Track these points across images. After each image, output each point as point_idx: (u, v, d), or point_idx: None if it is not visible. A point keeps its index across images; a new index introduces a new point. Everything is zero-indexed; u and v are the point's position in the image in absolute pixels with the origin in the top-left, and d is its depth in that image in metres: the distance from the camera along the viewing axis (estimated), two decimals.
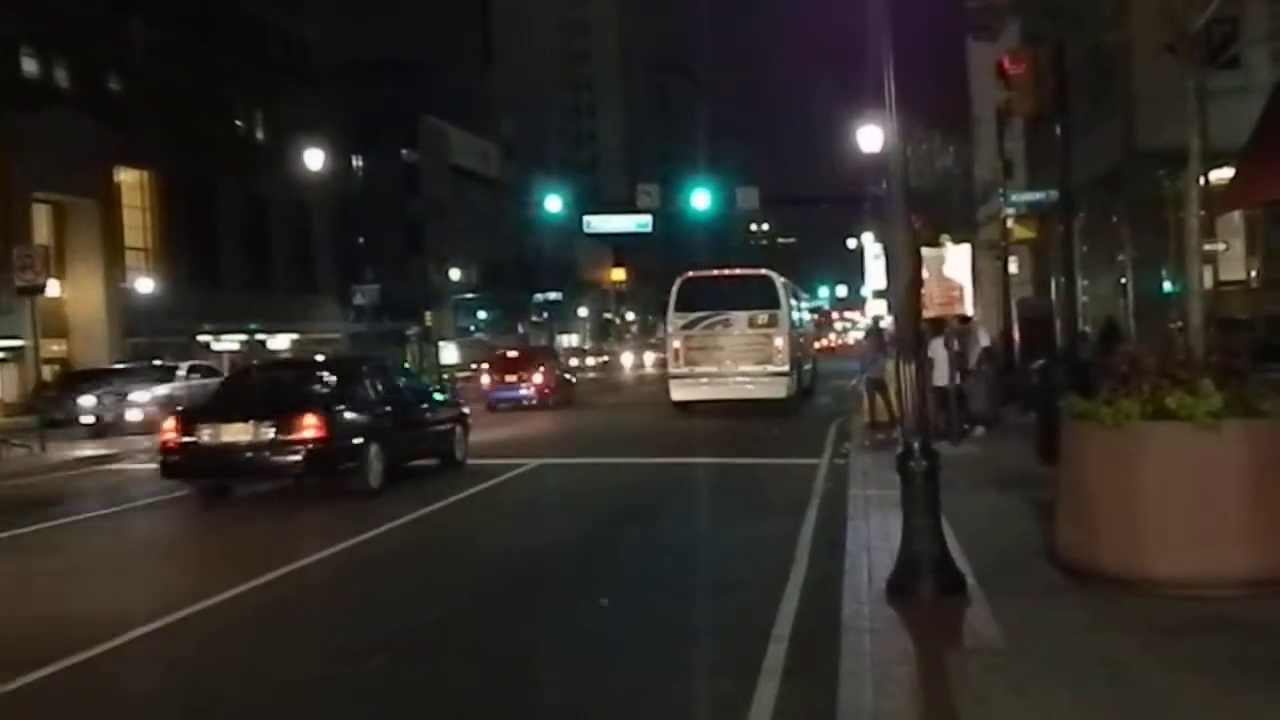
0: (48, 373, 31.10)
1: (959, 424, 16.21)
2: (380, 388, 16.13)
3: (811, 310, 45.95)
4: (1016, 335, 24.12)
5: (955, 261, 16.44)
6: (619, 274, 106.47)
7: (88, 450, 23.01)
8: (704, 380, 26.42)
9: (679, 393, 26.67)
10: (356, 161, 66.04)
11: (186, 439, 14.41)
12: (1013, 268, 26.31)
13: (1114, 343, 18.76)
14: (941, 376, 15.92)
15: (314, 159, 40.87)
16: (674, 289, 27.51)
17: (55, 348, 36.00)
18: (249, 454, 14.06)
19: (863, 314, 71.39)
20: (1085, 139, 20.89)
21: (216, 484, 14.93)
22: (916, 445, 7.58)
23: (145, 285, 42.87)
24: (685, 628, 7.69)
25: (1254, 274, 21.79)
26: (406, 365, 37.64)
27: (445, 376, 50.11)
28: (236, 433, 14.18)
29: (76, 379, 30.18)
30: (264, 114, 52.96)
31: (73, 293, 37.68)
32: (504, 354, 37.85)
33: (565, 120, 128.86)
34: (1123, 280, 25.37)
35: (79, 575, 10.56)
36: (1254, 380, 7.36)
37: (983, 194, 32.86)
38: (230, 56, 49.30)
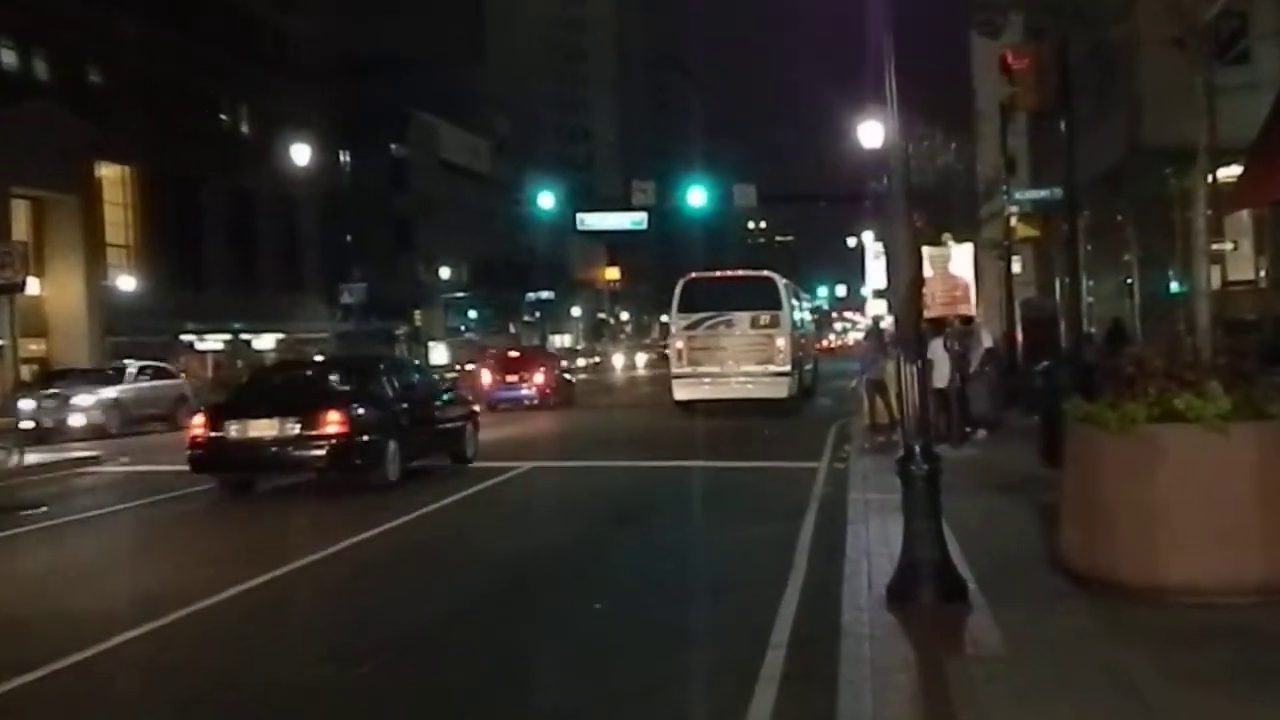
0: (26, 373, 30.43)
1: (960, 427, 16.10)
2: (398, 385, 16.52)
3: (812, 311, 45.89)
4: (1020, 336, 23.98)
5: (958, 261, 16.36)
6: (613, 273, 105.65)
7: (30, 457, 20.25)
8: (706, 380, 26.57)
9: (682, 392, 26.82)
10: (344, 157, 64.07)
11: (214, 434, 14.83)
12: (1016, 267, 26.17)
13: (1120, 344, 18.59)
14: (941, 378, 15.77)
15: (301, 154, 40.37)
16: (677, 290, 27.65)
17: (34, 347, 34.78)
18: (274, 449, 14.51)
19: (862, 314, 71.31)
20: (1089, 135, 20.74)
21: (241, 478, 15.18)
22: (918, 448, 7.49)
23: (127, 283, 41.86)
24: (683, 632, 7.63)
25: (1263, 274, 21.61)
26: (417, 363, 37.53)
27: (451, 375, 49.73)
28: (263, 428, 14.64)
29: (54, 379, 29.60)
30: (250, 108, 51.97)
31: (52, 291, 36.63)
32: (505, 354, 38.12)
33: (560, 117, 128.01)
34: (1128, 280, 25.23)
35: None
36: (1262, 383, 7.26)
37: (985, 191, 32.77)
38: (216, 50, 48.26)
